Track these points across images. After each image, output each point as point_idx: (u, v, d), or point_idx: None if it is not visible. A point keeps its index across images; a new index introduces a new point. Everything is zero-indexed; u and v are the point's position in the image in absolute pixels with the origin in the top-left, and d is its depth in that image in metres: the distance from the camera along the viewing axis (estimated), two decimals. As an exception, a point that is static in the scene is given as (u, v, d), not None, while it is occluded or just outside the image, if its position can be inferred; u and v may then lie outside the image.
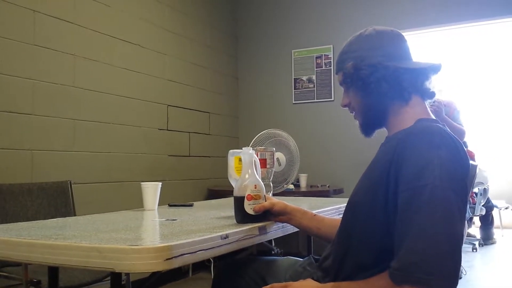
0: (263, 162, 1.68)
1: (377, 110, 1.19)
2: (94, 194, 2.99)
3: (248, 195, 1.28)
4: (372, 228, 1.05)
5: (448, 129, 1.06)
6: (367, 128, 1.24)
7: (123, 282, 2.27)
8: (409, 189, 0.95)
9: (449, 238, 0.90)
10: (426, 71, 1.17)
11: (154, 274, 1.71)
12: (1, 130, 2.48)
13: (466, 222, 1.28)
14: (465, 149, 1.04)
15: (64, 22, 2.85)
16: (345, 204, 1.20)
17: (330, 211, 1.73)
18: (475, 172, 3.31)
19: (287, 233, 1.44)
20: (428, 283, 0.87)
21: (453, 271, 0.89)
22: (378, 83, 1.14)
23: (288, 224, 1.40)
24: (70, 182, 2.53)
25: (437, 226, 0.90)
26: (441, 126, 1.07)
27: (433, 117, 1.16)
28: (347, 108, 1.26)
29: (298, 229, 1.43)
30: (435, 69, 1.17)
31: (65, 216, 2.33)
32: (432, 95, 1.18)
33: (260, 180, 1.33)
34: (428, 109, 1.18)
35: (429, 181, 0.93)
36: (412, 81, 1.15)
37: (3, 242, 1.08)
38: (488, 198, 4.81)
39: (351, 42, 1.23)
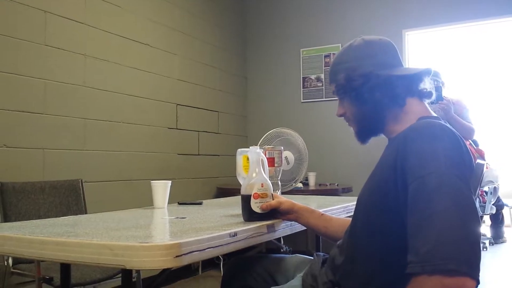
0: (271, 161, 1.69)
1: (372, 119, 1.22)
2: (104, 193, 3.03)
3: (255, 193, 1.29)
4: (383, 225, 1.05)
5: (450, 126, 1.07)
6: (362, 135, 1.29)
7: (134, 279, 2.30)
8: (416, 178, 0.94)
9: (461, 221, 0.87)
10: (418, 75, 1.19)
11: (164, 271, 1.73)
12: (14, 130, 2.52)
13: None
14: (475, 147, 1.05)
15: (74, 23, 2.89)
16: (354, 203, 1.21)
17: (339, 209, 1.73)
18: (482, 170, 3.28)
19: (296, 231, 1.45)
20: (445, 268, 0.83)
21: (471, 254, 0.84)
22: (371, 92, 1.17)
23: (296, 223, 1.41)
24: (81, 181, 2.57)
25: (447, 212, 0.88)
26: (442, 122, 1.08)
27: (435, 115, 1.17)
28: (342, 117, 1.30)
29: (306, 228, 1.44)
30: (427, 72, 1.20)
31: (76, 214, 2.37)
32: (429, 95, 1.20)
33: (267, 178, 1.34)
34: (429, 108, 1.20)
35: (434, 169, 0.93)
36: (406, 87, 1.17)
37: (16, 240, 1.10)
38: (498, 197, 4.77)
39: (342, 53, 1.27)
